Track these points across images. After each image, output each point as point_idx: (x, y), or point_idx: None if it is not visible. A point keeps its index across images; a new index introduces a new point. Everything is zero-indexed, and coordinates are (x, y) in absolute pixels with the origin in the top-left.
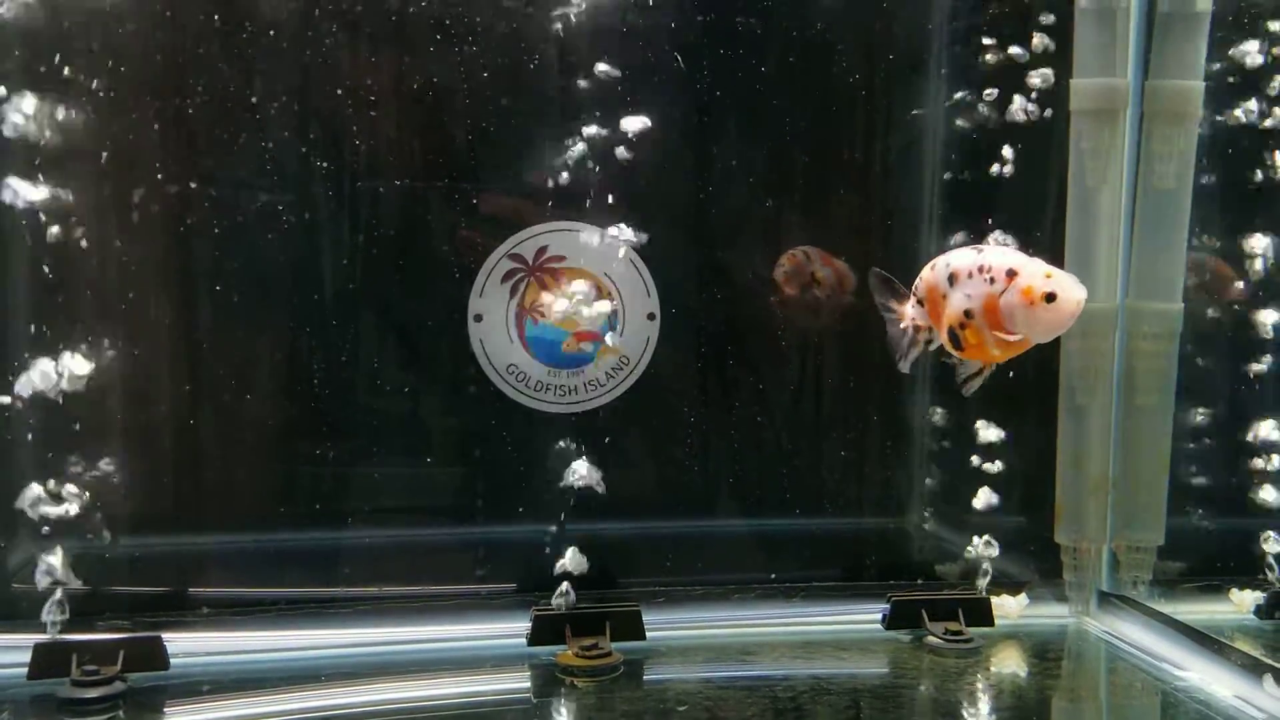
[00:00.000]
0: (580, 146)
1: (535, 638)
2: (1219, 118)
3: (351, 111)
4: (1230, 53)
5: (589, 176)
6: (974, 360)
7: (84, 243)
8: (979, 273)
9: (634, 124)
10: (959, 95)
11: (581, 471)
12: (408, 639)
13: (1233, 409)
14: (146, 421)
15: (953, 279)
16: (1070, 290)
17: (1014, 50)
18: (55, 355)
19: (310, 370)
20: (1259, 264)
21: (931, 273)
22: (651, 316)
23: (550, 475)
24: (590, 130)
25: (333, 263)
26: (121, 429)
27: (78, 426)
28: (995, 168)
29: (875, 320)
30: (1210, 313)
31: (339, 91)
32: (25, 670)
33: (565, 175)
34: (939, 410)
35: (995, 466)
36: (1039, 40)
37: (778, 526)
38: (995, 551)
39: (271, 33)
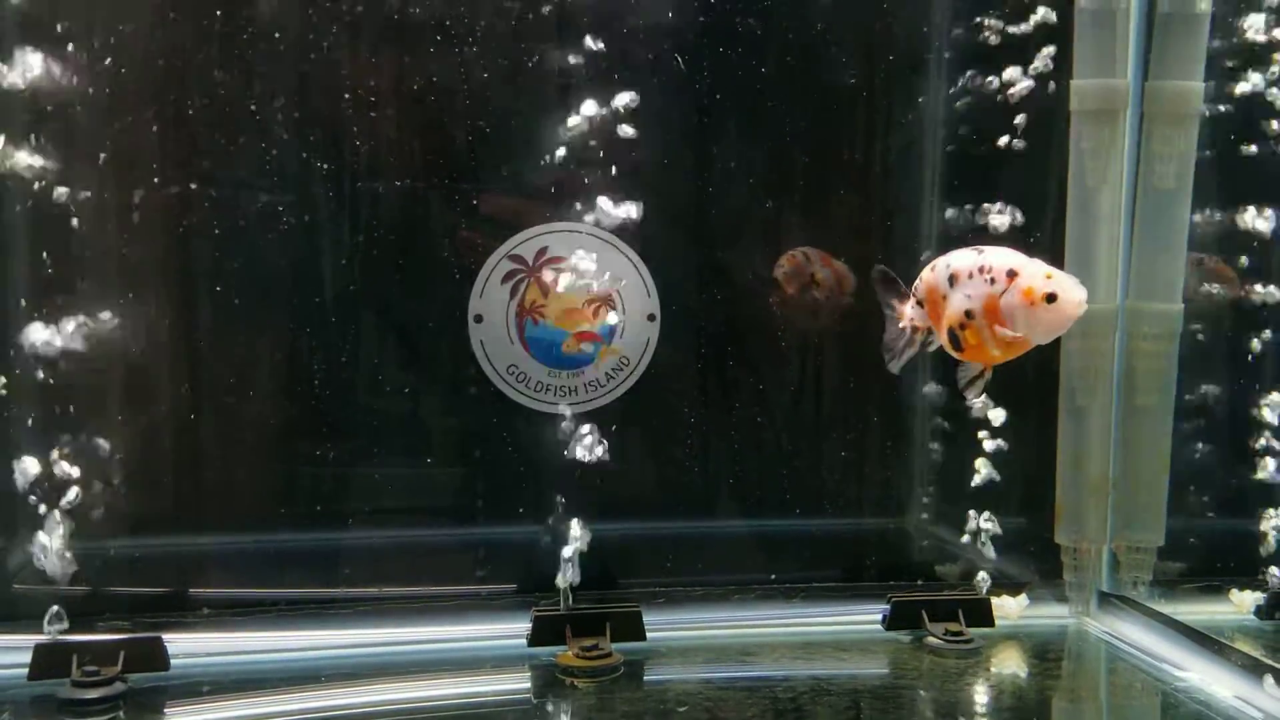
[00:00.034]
0: (580, 147)
1: (535, 638)
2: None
3: (352, 112)
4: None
5: (589, 177)
6: (975, 363)
7: (83, 243)
8: (979, 273)
9: (634, 125)
10: (959, 96)
11: (586, 445)
12: (408, 640)
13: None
14: (147, 422)
15: (953, 280)
16: (1071, 291)
17: (1014, 51)
18: (55, 355)
19: (311, 371)
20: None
21: (932, 273)
22: (651, 317)
23: (550, 477)
24: (590, 131)
25: (333, 263)
26: (122, 429)
27: (78, 426)
28: (995, 169)
29: (875, 321)
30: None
31: (339, 92)
32: (26, 671)
33: (565, 176)
34: (939, 410)
35: (996, 468)
36: (1039, 40)
37: (778, 527)
38: (994, 528)
39: (271, 33)
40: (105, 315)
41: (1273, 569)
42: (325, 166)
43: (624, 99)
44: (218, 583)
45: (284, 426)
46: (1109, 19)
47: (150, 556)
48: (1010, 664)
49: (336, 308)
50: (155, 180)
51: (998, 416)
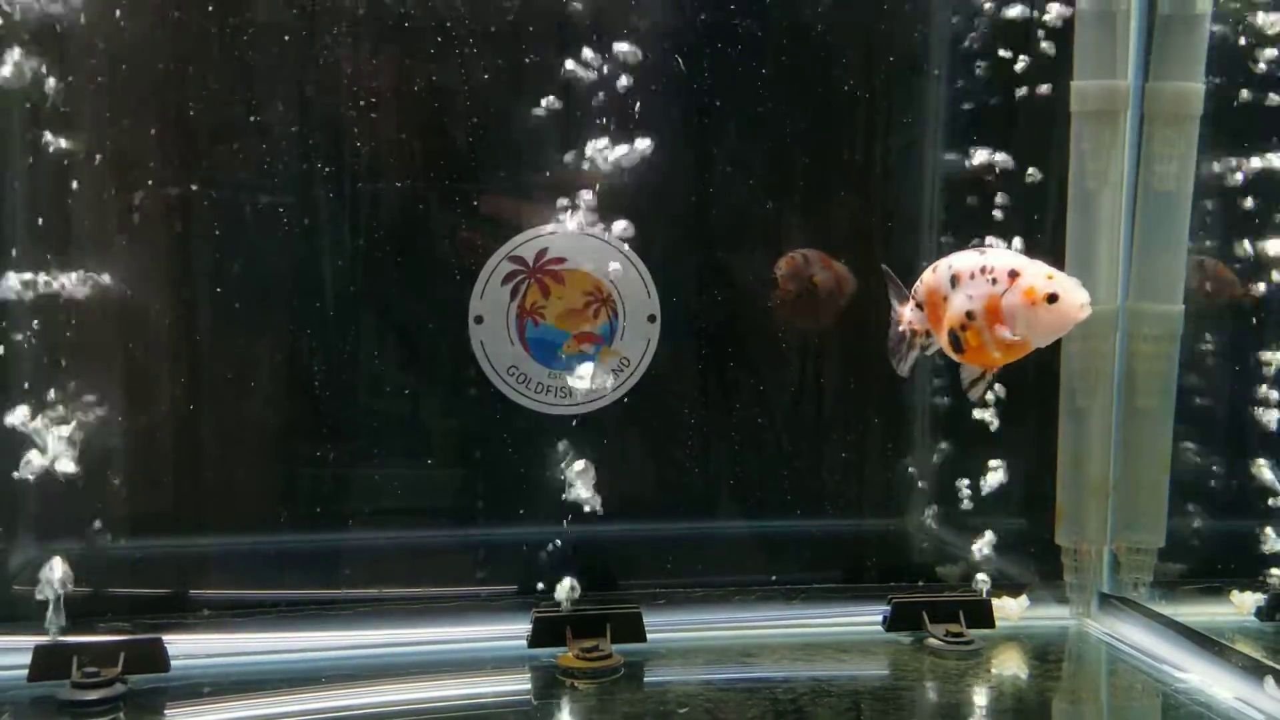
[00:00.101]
0: (580, 148)
1: (536, 640)
2: None
3: (352, 113)
4: None
5: (589, 178)
6: (975, 365)
7: (83, 243)
8: (981, 273)
9: (634, 125)
10: (959, 96)
11: (579, 474)
12: (408, 641)
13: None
14: (148, 423)
15: (954, 280)
16: (1072, 292)
17: (1014, 51)
18: (56, 354)
19: (311, 372)
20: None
21: (933, 275)
22: (652, 318)
23: (550, 478)
24: (590, 131)
25: (333, 264)
26: (123, 430)
27: (78, 427)
28: (995, 168)
29: (875, 321)
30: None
31: (339, 93)
32: (26, 672)
33: (566, 176)
34: (939, 411)
35: (995, 468)
36: (1040, 40)
37: (778, 528)
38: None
39: (271, 34)
40: (105, 315)
41: (1273, 569)
42: (326, 168)
43: (624, 99)
44: (218, 584)
45: (284, 427)
46: (1109, 20)
47: (150, 557)
48: (1011, 665)
49: (337, 308)
50: (154, 181)
51: (997, 418)
